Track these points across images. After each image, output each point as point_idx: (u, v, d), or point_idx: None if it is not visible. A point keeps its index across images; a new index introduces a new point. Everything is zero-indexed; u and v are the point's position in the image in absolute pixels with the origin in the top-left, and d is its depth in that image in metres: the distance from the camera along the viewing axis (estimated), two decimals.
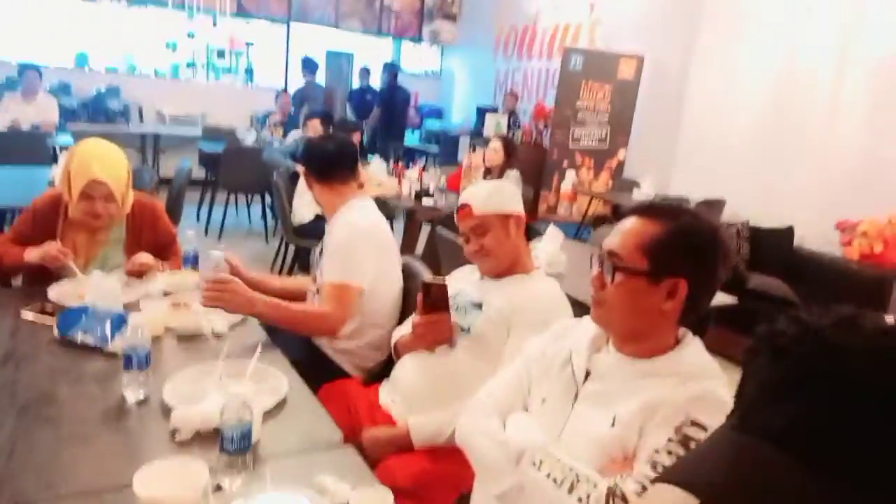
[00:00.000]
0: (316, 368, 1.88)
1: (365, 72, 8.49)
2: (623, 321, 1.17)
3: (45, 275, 2.08)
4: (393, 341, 1.95)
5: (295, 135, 5.29)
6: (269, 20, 8.27)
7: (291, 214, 4.21)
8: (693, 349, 1.16)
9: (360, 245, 2.02)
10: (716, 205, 4.83)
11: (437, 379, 1.69)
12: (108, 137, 2.20)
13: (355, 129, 4.57)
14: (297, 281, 2.45)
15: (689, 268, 1.12)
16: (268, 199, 6.01)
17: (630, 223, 1.17)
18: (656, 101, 6.32)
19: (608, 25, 6.91)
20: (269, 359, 1.61)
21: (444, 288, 1.69)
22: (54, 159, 4.95)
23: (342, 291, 1.96)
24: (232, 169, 5.64)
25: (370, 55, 9.31)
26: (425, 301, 1.70)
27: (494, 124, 7.14)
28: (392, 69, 8.08)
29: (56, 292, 1.94)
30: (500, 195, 1.78)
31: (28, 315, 1.80)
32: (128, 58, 7.90)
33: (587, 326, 1.27)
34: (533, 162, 6.41)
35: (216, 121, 7.47)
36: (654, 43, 6.33)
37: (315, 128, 4.65)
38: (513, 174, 4.35)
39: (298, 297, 2.20)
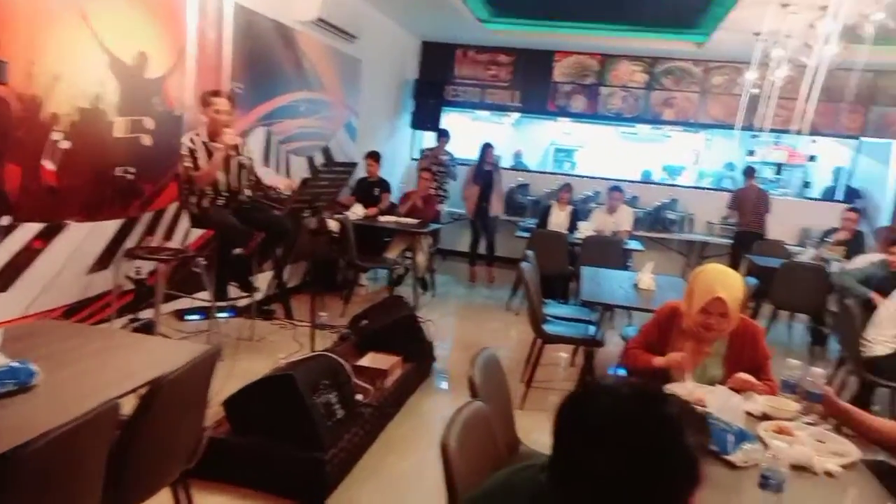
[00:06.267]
0: None
1: None
2: None
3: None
4: None
5: (871, 258, 4.78)
6: (836, 136, 7.90)
7: (864, 346, 3.82)
8: None
9: None
10: None
11: None
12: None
13: None
14: (891, 425, 2.20)
15: None
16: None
17: None
18: None
19: None
20: None
21: None
22: (624, 263, 5.81)
23: None
24: (786, 284, 5.49)
25: None
26: None
27: None
28: None
29: None
30: None
31: None
32: (688, 173, 8.74)
33: None
34: None
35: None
36: None
37: None
38: None
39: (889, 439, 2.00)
